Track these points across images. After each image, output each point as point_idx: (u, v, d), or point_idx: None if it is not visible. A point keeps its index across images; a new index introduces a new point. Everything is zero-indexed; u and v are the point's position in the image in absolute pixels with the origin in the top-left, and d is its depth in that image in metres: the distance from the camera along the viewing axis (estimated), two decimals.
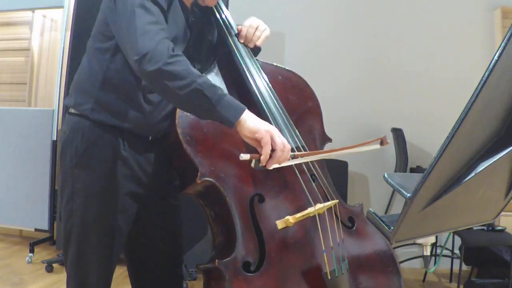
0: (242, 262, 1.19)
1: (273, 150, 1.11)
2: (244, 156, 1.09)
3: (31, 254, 3.08)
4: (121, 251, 1.33)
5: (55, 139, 3.32)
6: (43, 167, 3.32)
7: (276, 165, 1.14)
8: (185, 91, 1.07)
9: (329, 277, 1.20)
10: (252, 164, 1.11)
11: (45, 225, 3.32)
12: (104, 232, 1.25)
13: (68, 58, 3.08)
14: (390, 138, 3.35)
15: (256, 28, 1.43)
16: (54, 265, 2.92)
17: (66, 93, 3.05)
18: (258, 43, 1.44)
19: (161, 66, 1.05)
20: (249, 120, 1.12)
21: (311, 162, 1.34)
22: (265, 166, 1.12)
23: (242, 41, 1.42)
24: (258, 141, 1.12)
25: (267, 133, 1.11)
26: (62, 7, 3.48)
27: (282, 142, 1.13)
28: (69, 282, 1.28)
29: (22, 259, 3.11)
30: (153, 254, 1.41)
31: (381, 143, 1.21)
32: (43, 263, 2.93)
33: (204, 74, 1.35)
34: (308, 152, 1.30)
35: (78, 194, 1.24)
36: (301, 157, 1.23)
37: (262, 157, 1.11)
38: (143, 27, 1.09)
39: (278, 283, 1.21)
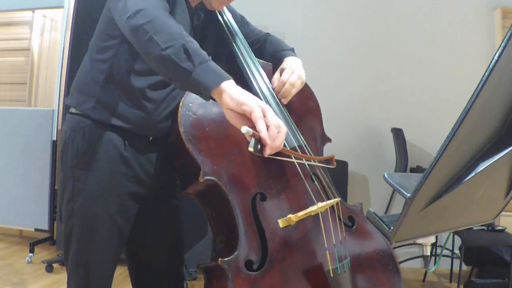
0: (245, 260, 1.19)
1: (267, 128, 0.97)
2: (246, 129, 0.94)
3: (31, 254, 3.08)
4: (121, 251, 1.33)
5: (55, 139, 3.32)
6: (43, 167, 3.32)
7: (272, 155, 1.01)
8: (167, 44, 1.00)
9: (331, 275, 1.20)
10: (250, 146, 0.96)
11: (45, 225, 3.32)
12: (104, 232, 1.25)
13: (68, 58, 3.09)
14: (390, 138, 3.35)
15: (294, 86, 1.33)
16: (54, 265, 2.92)
17: (66, 93, 3.05)
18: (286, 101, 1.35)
19: (152, 18, 1.03)
20: (234, 90, 0.98)
21: (313, 160, 1.35)
22: (264, 149, 0.97)
23: (279, 97, 1.34)
24: (245, 118, 0.97)
25: (258, 107, 0.96)
26: (62, 7, 3.49)
27: (276, 119, 0.98)
28: (70, 282, 1.28)
29: (22, 259, 3.11)
30: (153, 254, 1.41)
31: (329, 163, 1.27)
32: (43, 263, 2.93)
33: None
34: (296, 153, 1.26)
35: (79, 194, 1.24)
36: (292, 157, 1.19)
37: (261, 134, 0.95)
38: None
39: (280, 282, 1.21)
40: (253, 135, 0.95)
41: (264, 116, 0.97)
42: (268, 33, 1.59)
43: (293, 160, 1.27)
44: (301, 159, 1.30)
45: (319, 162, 1.31)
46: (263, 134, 0.95)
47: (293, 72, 1.35)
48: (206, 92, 0.99)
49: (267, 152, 0.97)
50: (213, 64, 1.02)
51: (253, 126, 0.97)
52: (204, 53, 1.03)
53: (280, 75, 1.36)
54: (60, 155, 1.29)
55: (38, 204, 3.32)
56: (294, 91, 1.35)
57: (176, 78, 1.03)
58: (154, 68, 1.10)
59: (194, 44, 1.03)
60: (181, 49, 1.00)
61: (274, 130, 0.97)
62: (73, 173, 1.24)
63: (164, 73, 1.07)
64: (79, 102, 1.26)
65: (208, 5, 1.34)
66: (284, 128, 1.01)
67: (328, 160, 1.28)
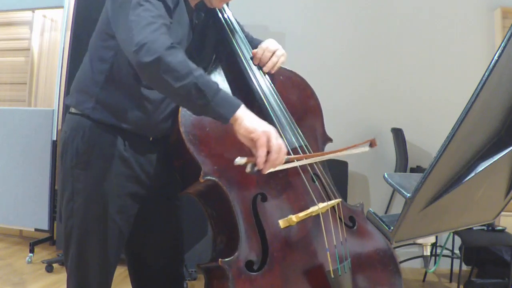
0: (245, 261, 1.19)
1: (268, 153, 1.08)
2: (239, 161, 1.06)
3: (31, 254, 3.08)
4: (121, 251, 1.33)
5: (55, 139, 3.32)
6: (43, 167, 3.32)
7: (271, 170, 1.10)
8: (179, 84, 1.04)
9: (332, 276, 1.20)
10: (248, 169, 1.08)
11: (45, 225, 3.32)
12: (104, 232, 1.25)
13: (68, 58, 3.08)
14: (390, 138, 3.35)
15: (273, 53, 1.39)
16: (54, 265, 2.92)
17: (66, 93, 3.05)
18: (273, 70, 1.40)
19: (157, 57, 1.03)
20: (246, 118, 1.09)
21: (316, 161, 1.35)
22: (261, 170, 1.08)
23: (256, 63, 1.38)
24: (254, 142, 1.09)
25: (264, 134, 1.08)
26: (62, 7, 3.49)
27: (278, 144, 1.10)
28: (69, 282, 1.28)
29: (22, 259, 3.11)
30: (153, 254, 1.41)
31: (370, 145, 1.23)
32: (43, 263, 2.93)
33: (206, 73, 1.35)
34: (303, 155, 1.28)
35: (79, 194, 1.24)
36: (296, 160, 1.20)
37: (257, 160, 1.07)
38: (146, 19, 1.08)
39: (281, 282, 1.21)
40: (249, 161, 1.08)
41: (268, 141, 1.08)
42: None
43: (304, 162, 1.28)
44: (320, 157, 1.31)
45: (358, 148, 1.25)
46: (259, 160, 1.07)
47: (270, 43, 1.41)
48: (225, 121, 1.10)
49: (265, 172, 1.10)
50: (223, 92, 1.10)
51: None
52: (213, 82, 1.09)
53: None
54: (60, 155, 1.29)
55: (38, 204, 3.32)
56: (274, 59, 1.38)
57: (192, 110, 1.13)
58: (167, 97, 1.21)
59: (203, 78, 1.07)
60: (193, 87, 1.05)
61: (273, 155, 1.09)
62: (73, 173, 1.24)
63: (178, 104, 1.18)
64: (79, 102, 1.26)
65: (208, 3, 1.34)
66: (284, 150, 1.11)
67: (371, 143, 1.23)
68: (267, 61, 1.38)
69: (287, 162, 1.15)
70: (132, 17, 1.08)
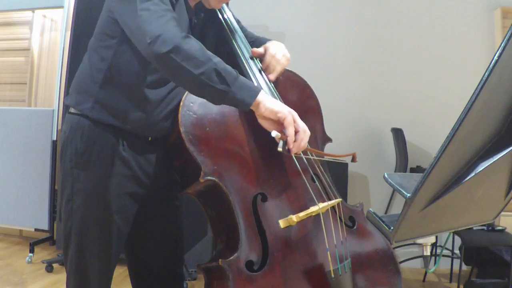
0: (246, 261, 1.19)
1: (296, 133, 1.12)
2: (275, 133, 1.09)
3: (31, 254, 3.08)
4: (121, 251, 1.33)
5: (55, 139, 3.32)
6: (43, 167, 3.32)
7: (295, 155, 1.15)
8: (200, 70, 1.05)
9: (332, 276, 1.20)
10: (279, 147, 1.11)
11: (45, 225, 3.32)
12: (104, 232, 1.25)
13: (68, 58, 3.08)
14: (390, 138, 3.35)
15: (279, 63, 1.37)
16: (54, 265, 2.93)
17: (66, 93, 3.05)
18: (277, 75, 1.39)
19: (175, 45, 1.03)
20: (267, 100, 1.11)
21: (315, 160, 1.35)
22: (290, 150, 1.11)
23: (264, 68, 1.37)
24: (277, 123, 1.11)
25: (290, 113, 1.11)
26: (62, 7, 3.49)
27: (304, 124, 1.13)
28: (69, 282, 1.28)
29: (22, 259, 3.11)
30: (153, 254, 1.41)
31: (352, 159, 1.33)
32: (43, 263, 2.93)
33: None
34: (314, 149, 1.33)
35: (78, 194, 1.24)
36: (310, 152, 1.25)
37: (288, 138, 1.10)
38: (157, 12, 1.08)
39: (281, 282, 1.21)
40: (281, 138, 1.11)
41: (294, 121, 1.12)
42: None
43: (312, 157, 1.33)
44: (316, 155, 1.35)
45: (341, 158, 1.37)
46: (290, 138, 1.11)
47: (278, 49, 1.39)
48: (246, 107, 1.10)
49: (294, 151, 1.13)
50: (242, 78, 1.10)
51: (281, 129, 1.13)
52: (232, 69, 1.09)
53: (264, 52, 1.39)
54: (60, 155, 1.29)
55: (38, 204, 3.32)
56: (279, 68, 1.38)
57: (213, 97, 1.11)
58: (186, 89, 1.18)
59: (222, 63, 1.08)
60: (214, 73, 1.06)
61: (301, 134, 1.13)
62: (72, 173, 1.24)
63: (198, 93, 1.15)
64: (78, 102, 1.26)
65: (206, 4, 1.34)
66: (308, 132, 1.15)
67: (353, 157, 1.35)
68: (274, 68, 1.37)
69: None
70: (142, 12, 1.08)
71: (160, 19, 1.07)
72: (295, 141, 1.12)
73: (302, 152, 1.25)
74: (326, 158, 1.36)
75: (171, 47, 1.03)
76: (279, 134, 1.10)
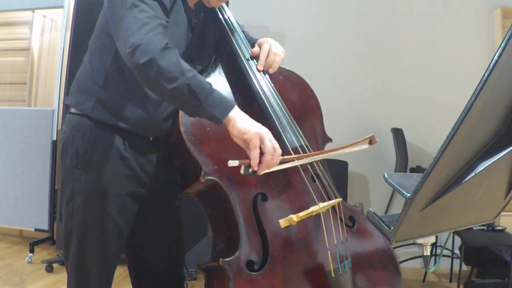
0: (246, 261, 1.19)
1: (262, 154, 1.08)
2: (232, 163, 1.06)
3: (31, 254, 3.08)
4: (121, 252, 1.33)
5: (55, 139, 3.32)
6: (43, 167, 3.32)
7: (266, 171, 1.10)
8: (172, 86, 1.05)
9: (332, 275, 1.20)
10: (242, 171, 1.08)
11: (45, 225, 3.32)
12: (104, 233, 1.25)
13: (68, 58, 3.08)
14: (390, 138, 3.35)
15: (277, 55, 1.39)
16: (54, 265, 2.92)
17: (66, 93, 3.05)
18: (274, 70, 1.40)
19: (151, 58, 1.04)
20: (239, 119, 1.10)
21: (315, 160, 1.35)
22: (255, 171, 1.09)
23: (260, 66, 1.37)
24: (247, 143, 1.09)
25: (257, 136, 1.08)
26: (62, 7, 3.49)
27: (273, 145, 1.10)
28: (70, 282, 1.28)
29: (22, 259, 3.11)
30: (154, 254, 1.41)
31: (370, 143, 1.24)
32: (43, 263, 2.93)
33: (206, 74, 1.35)
34: (298, 155, 1.26)
35: (79, 194, 1.24)
36: (291, 161, 1.19)
37: (251, 162, 1.08)
38: (141, 20, 1.08)
39: (281, 282, 1.21)
40: (241, 164, 1.07)
41: (261, 143, 1.09)
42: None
43: (297, 163, 1.25)
44: (306, 158, 1.30)
45: (358, 145, 1.25)
46: (253, 162, 1.08)
47: (272, 43, 1.41)
48: (218, 123, 1.11)
49: (260, 173, 1.10)
50: (217, 93, 1.10)
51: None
52: (206, 83, 1.09)
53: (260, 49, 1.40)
54: (60, 155, 1.29)
55: (38, 204, 3.32)
56: (278, 59, 1.39)
57: (185, 111, 1.14)
58: (162, 100, 1.21)
59: (196, 79, 1.08)
60: (186, 89, 1.06)
61: (267, 157, 1.09)
62: (73, 173, 1.24)
63: (173, 105, 1.18)
64: (79, 102, 1.26)
65: (206, 2, 1.35)
66: (278, 152, 1.12)
67: (370, 140, 1.26)
68: (272, 64, 1.38)
69: (283, 162, 1.15)
70: (128, 19, 1.09)
71: (143, 28, 1.07)
72: (260, 162, 1.09)
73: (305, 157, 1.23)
74: (342, 151, 1.24)
75: (147, 59, 1.04)
76: (236, 162, 1.06)
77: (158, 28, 1.10)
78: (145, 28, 1.07)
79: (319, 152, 1.34)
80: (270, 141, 1.10)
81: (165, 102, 1.28)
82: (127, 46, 1.06)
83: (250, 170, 1.09)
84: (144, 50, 1.04)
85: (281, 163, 1.14)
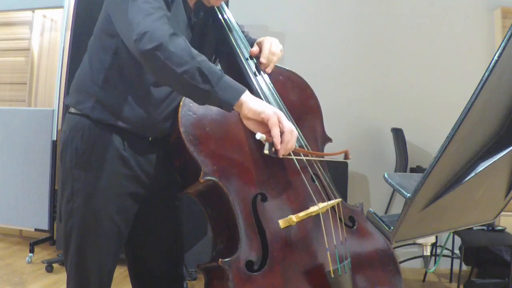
0: (245, 261, 1.19)
1: (281, 134, 1.08)
2: (260, 135, 1.06)
3: (31, 254, 3.08)
4: (121, 252, 1.33)
5: (55, 139, 3.32)
6: (43, 167, 3.32)
7: (283, 156, 1.12)
8: (183, 69, 1.03)
9: (332, 276, 1.20)
10: (266, 150, 1.09)
11: (45, 225, 3.32)
12: (104, 233, 1.25)
13: (68, 58, 3.09)
14: (390, 138, 3.35)
15: (274, 55, 1.39)
16: (54, 265, 2.93)
17: (66, 93, 3.05)
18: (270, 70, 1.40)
19: (159, 43, 1.02)
20: (251, 101, 1.08)
21: (314, 160, 1.35)
22: (277, 151, 1.09)
23: (264, 59, 1.37)
24: (263, 124, 1.08)
25: (274, 114, 1.08)
26: (62, 7, 3.49)
27: (290, 124, 1.10)
28: (69, 282, 1.28)
29: (22, 259, 3.11)
30: (154, 254, 1.41)
31: (345, 157, 1.32)
32: (43, 263, 2.93)
33: None
34: (308, 151, 1.31)
35: (78, 194, 1.24)
36: (303, 154, 1.22)
37: (274, 140, 1.07)
38: (146, 10, 1.08)
39: (281, 282, 1.21)
40: (266, 140, 1.08)
41: (279, 122, 1.08)
42: None
43: (303, 158, 1.30)
44: (311, 156, 1.34)
45: (334, 156, 1.36)
46: (276, 139, 1.07)
47: (272, 42, 1.41)
48: (229, 107, 1.08)
49: (281, 153, 1.10)
50: (227, 78, 1.08)
51: (268, 131, 1.09)
52: (217, 68, 1.08)
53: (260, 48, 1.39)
54: (60, 155, 1.29)
55: (38, 204, 3.32)
56: (275, 59, 1.39)
57: (196, 97, 1.10)
58: (170, 87, 1.17)
59: (206, 63, 1.06)
60: (197, 72, 1.04)
61: (288, 135, 1.09)
62: (73, 173, 1.24)
63: (182, 93, 1.14)
64: (78, 102, 1.26)
65: (206, 2, 1.35)
66: (295, 132, 1.12)
67: (345, 155, 1.34)
68: (270, 63, 1.39)
69: (294, 153, 1.17)
70: (132, 9, 1.08)
71: (149, 17, 1.06)
72: (281, 142, 1.09)
73: (293, 153, 1.22)
74: (315, 158, 1.33)
75: (156, 44, 1.02)
76: (264, 136, 1.07)
77: (164, 18, 1.09)
78: (150, 17, 1.06)
79: (312, 152, 1.36)
80: (287, 120, 1.10)
81: (166, 101, 1.28)
82: (134, 34, 1.04)
83: (273, 149, 1.09)
84: (151, 36, 1.03)
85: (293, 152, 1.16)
